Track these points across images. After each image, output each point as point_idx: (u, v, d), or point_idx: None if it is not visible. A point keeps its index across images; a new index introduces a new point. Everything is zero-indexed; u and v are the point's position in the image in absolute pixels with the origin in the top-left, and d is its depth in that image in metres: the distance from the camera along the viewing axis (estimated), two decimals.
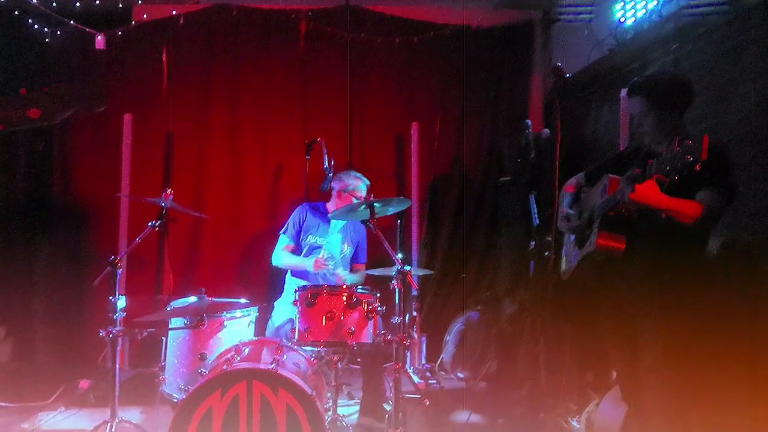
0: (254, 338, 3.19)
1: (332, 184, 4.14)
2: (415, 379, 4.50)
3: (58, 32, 4.84)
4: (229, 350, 2.91)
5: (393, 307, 2.90)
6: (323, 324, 2.96)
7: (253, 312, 3.30)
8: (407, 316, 4.09)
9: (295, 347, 3.02)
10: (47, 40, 4.86)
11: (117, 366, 2.97)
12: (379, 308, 3.06)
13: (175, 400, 3.04)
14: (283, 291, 4.03)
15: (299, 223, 4.08)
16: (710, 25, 3.56)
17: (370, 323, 3.03)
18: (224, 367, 2.64)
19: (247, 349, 2.88)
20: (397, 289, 2.88)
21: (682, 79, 2.63)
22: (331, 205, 4.07)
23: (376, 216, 3.10)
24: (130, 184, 4.81)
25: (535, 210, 3.94)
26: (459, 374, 4.58)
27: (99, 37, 4.84)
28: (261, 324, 3.67)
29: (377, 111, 5.24)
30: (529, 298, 4.11)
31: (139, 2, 5.07)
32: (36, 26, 4.81)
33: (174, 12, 5.02)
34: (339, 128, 5.17)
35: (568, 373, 3.67)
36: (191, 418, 2.50)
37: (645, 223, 2.50)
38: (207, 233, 5.04)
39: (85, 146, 4.96)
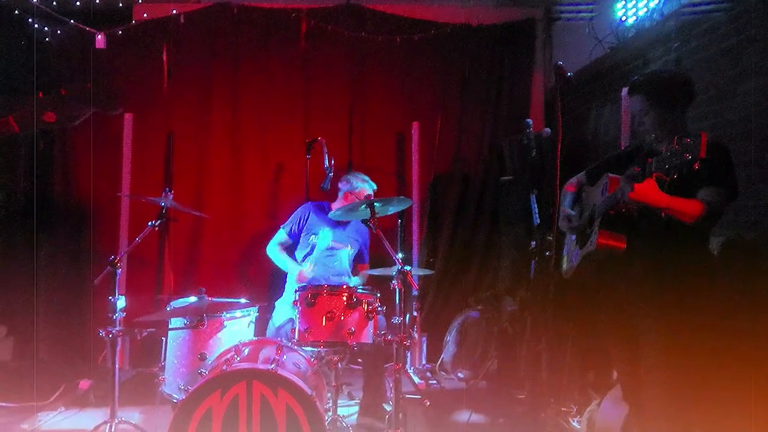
0: (254, 338, 3.18)
1: (339, 184, 4.15)
2: (416, 379, 4.50)
3: (58, 31, 4.83)
4: (228, 350, 2.91)
5: (393, 307, 2.89)
6: (323, 324, 2.96)
7: (253, 312, 3.30)
8: (408, 316, 4.09)
9: (295, 347, 3.01)
10: (47, 39, 4.85)
11: (117, 366, 2.96)
12: (379, 308, 3.05)
13: (174, 401, 3.04)
14: (283, 291, 4.03)
15: (301, 221, 4.09)
16: (711, 23, 3.54)
17: (371, 323, 3.02)
18: (224, 367, 2.64)
19: (246, 350, 2.88)
20: (397, 289, 2.87)
21: (682, 77, 2.62)
22: (336, 206, 4.07)
23: (377, 215, 3.10)
24: (130, 183, 4.81)
25: (536, 209, 3.94)
26: (459, 374, 4.57)
27: (99, 36, 4.82)
28: (262, 324, 3.67)
29: (378, 110, 5.23)
30: (530, 298, 4.11)
31: (140, 1, 5.06)
32: (36, 25, 4.80)
33: (174, 11, 5.01)
34: (340, 127, 5.17)
35: (569, 373, 3.67)
36: (191, 419, 2.50)
37: (646, 222, 2.49)
38: (207, 233, 5.04)
39: (86, 146, 4.94)
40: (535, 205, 3.94)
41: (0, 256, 4.77)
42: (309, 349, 3.06)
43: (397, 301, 2.88)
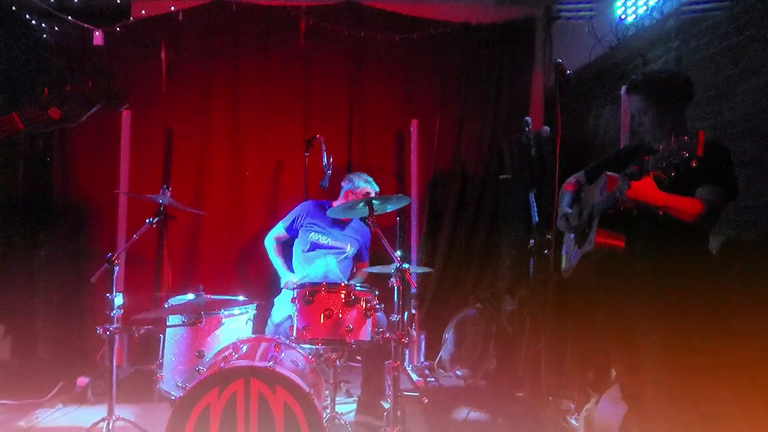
0: (252, 336, 3.18)
1: (342, 182, 4.14)
2: (414, 376, 4.50)
3: (56, 28, 4.82)
4: (226, 348, 2.91)
5: (392, 304, 2.89)
6: (321, 321, 2.95)
7: (251, 309, 3.29)
8: (406, 313, 4.08)
9: (293, 345, 3.01)
10: (45, 36, 4.83)
11: (115, 363, 2.95)
12: (377, 306, 3.05)
13: (172, 398, 3.04)
14: (282, 288, 4.02)
15: (299, 218, 4.09)
16: (712, 22, 3.54)
17: (369, 321, 3.02)
18: (222, 364, 2.63)
19: (244, 347, 2.87)
20: (396, 287, 2.87)
21: (681, 77, 2.62)
22: (337, 204, 4.06)
23: (375, 213, 3.09)
24: (129, 181, 4.79)
25: (535, 208, 3.93)
26: (458, 372, 4.57)
27: (97, 33, 4.82)
28: (261, 321, 3.67)
29: (377, 108, 5.22)
30: (529, 297, 4.11)
31: None
32: (33, 22, 4.79)
33: (173, 8, 5.00)
34: (339, 125, 5.16)
35: (568, 372, 3.67)
36: (189, 416, 2.49)
37: (644, 221, 2.49)
38: (206, 230, 5.03)
39: (85, 144, 4.94)
40: (535, 204, 3.93)
41: None
42: (307, 346, 3.06)
43: (396, 299, 2.88)
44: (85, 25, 4.80)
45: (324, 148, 4.46)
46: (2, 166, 4.87)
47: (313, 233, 4.03)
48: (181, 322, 3.01)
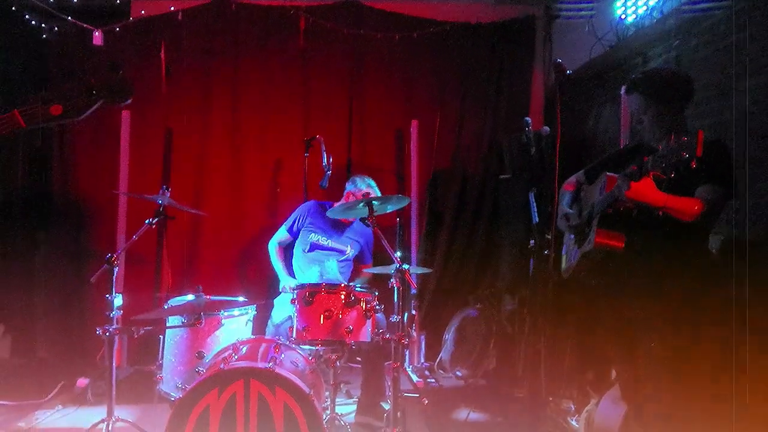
0: (252, 337, 3.17)
1: (346, 184, 4.15)
2: (414, 377, 4.49)
3: (56, 28, 4.81)
4: (226, 349, 2.90)
5: (392, 305, 2.89)
6: (321, 322, 2.95)
7: (251, 310, 3.29)
8: (406, 314, 4.08)
9: (293, 346, 3.01)
10: (45, 36, 4.83)
11: (114, 364, 2.95)
12: (377, 307, 3.05)
13: (172, 399, 3.03)
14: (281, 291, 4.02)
15: (301, 219, 4.09)
16: (712, 21, 3.53)
17: (369, 322, 3.01)
18: (222, 365, 2.63)
19: (244, 348, 2.87)
20: (396, 288, 2.87)
21: (680, 75, 2.61)
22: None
23: (375, 213, 3.09)
24: (129, 181, 4.79)
25: (535, 207, 3.92)
26: (458, 373, 4.56)
27: (97, 33, 4.81)
28: (261, 322, 3.67)
29: (377, 107, 5.22)
30: (528, 296, 4.10)
31: None
32: (33, 22, 4.78)
33: (172, 8, 4.99)
34: (339, 125, 5.15)
35: (568, 372, 3.66)
36: (188, 417, 2.49)
37: (644, 220, 2.48)
38: (206, 231, 5.02)
39: (84, 143, 4.94)
40: (534, 204, 3.92)
41: None
42: (307, 347, 3.05)
43: (396, 300, 2.88)
44: (85, 25, 4.79)
45: (324, 148, 4.46)
46: (2, 166, 4.87)
47: (313, 234, 4.03)
48: (180, 323, 3.00)
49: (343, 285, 3.11)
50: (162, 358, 3.16)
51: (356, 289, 3.02)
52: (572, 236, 2.82)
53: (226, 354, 2.79)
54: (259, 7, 5.08)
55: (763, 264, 2.89)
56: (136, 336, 2.85)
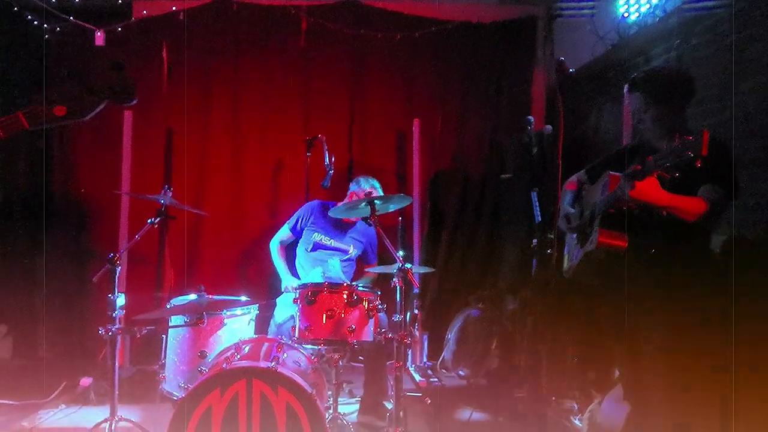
0: (254, 336, 3.17)
1: (350, 185, 4.14)
2: (417, 377, 4.49)
3: (57, 28, 4.82)
4: (229, 348, 2.90)
5: (394, 304, 2.89)
6: (324, 322, 2.95)
7: (254, 310, 3.29)
8: (408, 313, 4.08)
9: (296, 345, 3.01)
10: (46, 36, 4.83)
11: (116, 364, 2.95)
12: (380, 306, 3.05)
13: (174, 399, 3.04)
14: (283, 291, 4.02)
15: (303, 218, 4.09)
16: (714, 20, 3.52)
17: (371, 321, 3.02)
18: (224, 365, 2.63)
19: (247, 348, 2.87)
20: (398, 287, 2.87)
21: (681, 74, 2.61)
22: None
23: (377, 213, 3.09)
24: (130, 181, 4.79)
25: (537, 207, 3.92)
26: (460, 372, 4.56)
27: (98, 33, 4.82)
28: (263, 321, 3.67)
29: (378, 107, 5.21)
30: (531, 296, 4.10)
31: None
32: (35, 22, 4.79)
33: (174, 8, 4.99)
34: (340, 125, 5.15)
35: (571, 372, 3.66)
36: (191, 417, 2.49)
37: (647, 220, 2.48)
38: (208, 230, 5.02)
39: (86, 144, 4.94)
40: (537, 203, 3.92)
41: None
42: (309, 347, 3.05)
43: (398, 299, 2.88)
44: (87, 26, 4.80)
45: (326, 147, 4.46)
46: (3, 166, 4.87)
47: (316, 233, 4.03)
48: (183, 323, 3.00)
49: (345, 284, 3.11)
50: (164, 357, 3.15)
51: (358, 288, 3.02)
52: (574, 236, 2.82)
53: (229, 353, 2.79)
54: (260, 7, 5.08)
55: (763, 264, 2.89)
56: (138, 336, 2.85)
